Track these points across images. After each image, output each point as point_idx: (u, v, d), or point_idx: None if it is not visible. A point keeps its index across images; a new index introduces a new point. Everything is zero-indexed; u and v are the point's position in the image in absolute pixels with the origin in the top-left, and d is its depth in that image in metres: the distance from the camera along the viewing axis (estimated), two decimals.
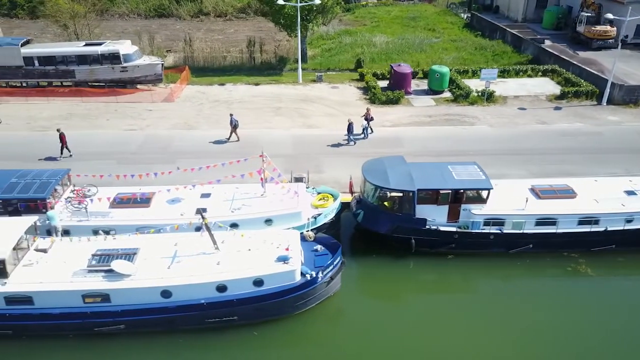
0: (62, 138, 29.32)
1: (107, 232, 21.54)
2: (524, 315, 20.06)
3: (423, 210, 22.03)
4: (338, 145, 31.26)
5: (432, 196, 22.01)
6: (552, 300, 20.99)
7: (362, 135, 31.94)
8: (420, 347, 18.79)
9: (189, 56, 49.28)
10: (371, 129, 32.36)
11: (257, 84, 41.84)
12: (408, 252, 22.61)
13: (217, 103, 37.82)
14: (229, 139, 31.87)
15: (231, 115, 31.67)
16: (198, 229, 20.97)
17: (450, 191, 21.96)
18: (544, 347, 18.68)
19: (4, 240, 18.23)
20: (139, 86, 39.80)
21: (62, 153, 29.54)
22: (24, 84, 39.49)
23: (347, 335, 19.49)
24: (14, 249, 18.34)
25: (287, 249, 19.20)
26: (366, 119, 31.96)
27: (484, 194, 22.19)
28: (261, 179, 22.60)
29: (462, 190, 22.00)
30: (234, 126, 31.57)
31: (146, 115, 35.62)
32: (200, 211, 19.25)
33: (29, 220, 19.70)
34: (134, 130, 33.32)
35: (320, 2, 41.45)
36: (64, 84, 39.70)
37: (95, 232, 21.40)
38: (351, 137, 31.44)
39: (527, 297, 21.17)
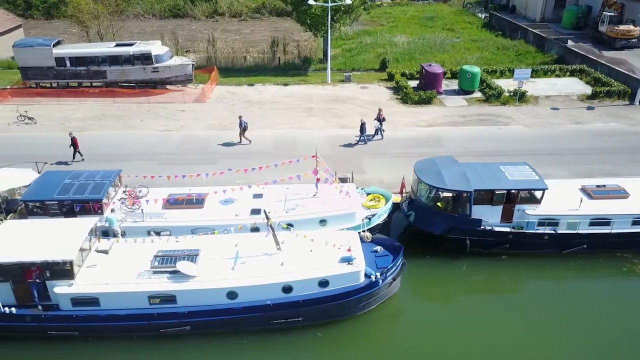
0: (74, 142, 28.99)
1: (157, 233, 21.59)
2: (578, 316, 20.01)
3: (478, 211, 22.01)
4: (376, 144, 31.24)
5: (487, 196, 21.98)
6: (607, 301, 20.92)
7: (378, 136, 31.86)
8: (475, 348, 18.64)
9: (212, 56, 49.34)
10: (383, 129, 32.06)
11: (286, 85, 41.81)
12: (461, 252, 22.61)
13: (249, 104, 37.78)
14: (240, 142, 31.40)
15: (240, 117, 31.27)
16: (254, 230, 21.06)
17: (505, 191, 21.95)
18: (597, 349, 18.62)
19: (70, 241, 18.22)
20: (168, 87, 39.76)
21: (74, 157, 29.16)
22: (54, 85, 39.51)
23: (407, 336, 19.47)
24: (80, 250, 18.32)
25: (349, 250, 19.17)
26: (378, 120, 31.89)
27: (539, 194, 22.16)
28: (317, 179, 22.57)
29: (517, 191, 21.98)
30: (244, 128, 31.15)
31: (179, 115, 35.58)
32: (265, 212, 19.23)
33: (91, 221, 19.69)
34: (169, 131, 33.29)
35: (351, 1, 41.42)
36: (94, 84, 39.70)
37: (148, 233, 21.47)
38: (363, 137, 31.39)
39: (581, 298, 21.13)
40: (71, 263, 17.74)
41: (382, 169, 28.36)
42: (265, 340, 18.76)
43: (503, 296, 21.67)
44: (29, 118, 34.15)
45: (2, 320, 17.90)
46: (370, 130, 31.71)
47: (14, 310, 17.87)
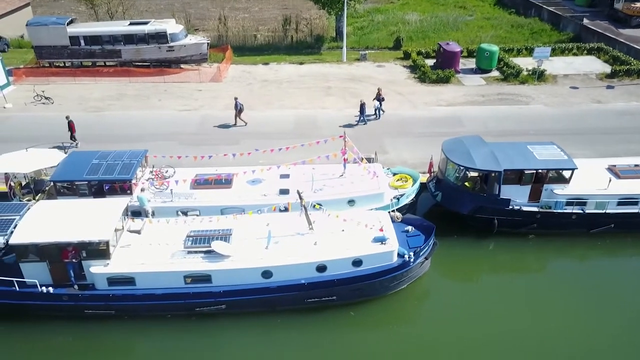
0: (71, 126, 28.41)
1: (184, 213, 21.64)
2: (604, 296, 20.08)
3: (506, 191, 21.97)
4: (397, 124, 31.07)
5: (516, 176, 21.93)
6: (634, 280, 21.03)
7: (374, 116, 31.65)
8: (502, 327, 18.74)
9: (223, 35, 48.79)
10: (382, 110, 31.89)
11: (301, 63, 41.45)
12: (488, 232, 22.67)
13: (266, 83, 37.50)
14: (235, 124, 30.98)
15: (236, 99, 30.70)
16: (283, 210, 21.07)
17: (534, 171, 21.89)
18: (622, 328, 18.71)
19: (106, 221, 18.25)
20: (183, 66, 39.41)
21: (72, 140, 28.54)
22: (68, 64, 39.18)
23: (435, 315, 19.60)
24: (115, 230, 18.37)
25: (381, 230, 19.21)
26: (378, 100, 31.63)
27: (567, 174, 22.11)
28: (345, 159, 22.51)
29: (546, 171, 21.92)
30: (239, 110, 30.70)
31: (197, 95, 35.35)
32: (299, 192, 19.22)
33: (123, 201, 19.71)
34: (188, 111, 33.11)
35: None
36: (107, 64, 39.35)
37: (177, 213, 21.49)
38: (363, 117, 31.20)
39: (608, 278, 21.21)
40: (107, 243, 17.80)
41: (404, 149, 28.28)
42: (298, 320, 18.91)
43: (530, 276, 21.74)
44: (46, 98, 33.94)
45: (40, 299, 18.04)
46: (370, 110, 31.48)
47: (51, 289, 18.01)
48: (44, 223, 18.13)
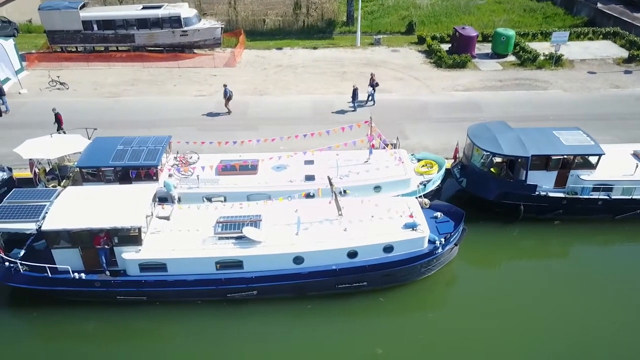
0: (58, 118, 27.34)
1: (209, 199, 21.59)
2: (629, 281, 20.09)
3: (533, 176, 21.90)
4: (416, 110, 30.90)
5: (543, 162, 21.83)
6: None
7: (371, 102, 31.42)
8: (528, 314, 18.75)
9: (233, 20, 48.28)
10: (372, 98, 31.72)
11: (315, 48, 41.11)
12: (513, 218, 22.65)
13: (281, 68, 37.22)
14: (229, 112, 30.56)
15: (225, 86, 30.12)
16: (308, 196, 21.02)
17: (561, 157, 21.80)
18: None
19: (137, 207, 18.20)
20: (196, 51, 39.07)
21: (59, 133, 26.58)
22: (80, 49, 38.84)
23: (462, 302, 19.57)
24: (146, 216, 18.33)
25: (411, 216, 19.18)
26: (372, 85, 31.37)
27: (594, 159, 22.02)
28: (372, 145, 22.41)
29: (573, 156, 21.83)
30: (228, 97, 30.14)
31: (212, 80, 35.09)
32: (329, 178, 19.15)
33: (152, 187, 19.65)
34: (204, 96, 32.88)
35: None
36: (120, 48, 39.00)
37: (204, 200, 21.44)
38: (355, 103, 30.97)
39: (633, 263, 21.23)
40: (139, 229, 17.77)
41: (425, 134, 28.16)
42: (328, 305, 18.94)
43: (556, 261, 21.76)
44: (61, 83, 33.68)
45: (73, 285, 18.08)
46: (363, 96, 31.29)
47: (83, 275, 18.03)
48: (75, 209, 18.08)
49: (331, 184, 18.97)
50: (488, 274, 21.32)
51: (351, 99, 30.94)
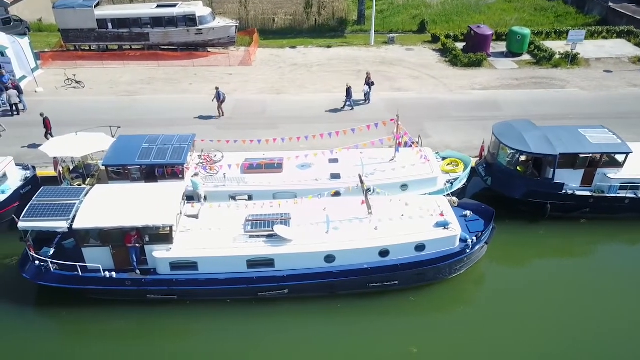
0: (46, 123, 26.62)
1: (233, 198, 21.48)
2: None
3: (560, 175, 21.81)
4: (435, 108, 30.78)
5: (570, 160, 21.75)
6: None
7: (365, 101, 31.28)
8: (555, 313, 18.65)
9: (244, 18, 48.17)
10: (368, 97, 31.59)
11: (329, 47, 40.98)
12: (539, 216, 22.55)
13: (296, 66, 37.09)
14: (223, 114, 29.91)
15: (217, 88, 29.47)
16: (337, 194, 20.90)
17: (589, 155, 21.72)
18: None
19: (168, 206, 18.11)
20: (210, 49, 38.94)
21: (47, 138, 26.11)
22: (94, 47, 38.69)
23: (493, 300, 19.46)
24: (177, 214, 18.23)
25: (441, 215, 19.09)
26: (367, 84, 31.22)
27: (621, 157, 21.94)
28: (399, 143, 22.31)
29: (600, 154, 21.74)
30: (221, 100, 29.55)
31: (228, 79, 34.95)
32: (360, 176, 19.05)
33: (181, 186, 19.56)
34: None
35: None
36: (133, 47, 38.88)
37: (232, 198, 21.35)
38: (350, 102, 30.84)
39: None
40: (171, 228, 17.66)
41: (446, 132, 28.06)
42: (359, 304, 18.83)
43: (583, 260, 21.68)
44: (77, 82, 33.55)
45: (103, 284, 17.97)
46: (360, 95, 31.13)
47: (114, 274, 17.92)
48: (105, 207, 17.97)
49: (362, 182, 18.88)
50: (516, 273, 21.19)
51: (345, 97, 30.80)
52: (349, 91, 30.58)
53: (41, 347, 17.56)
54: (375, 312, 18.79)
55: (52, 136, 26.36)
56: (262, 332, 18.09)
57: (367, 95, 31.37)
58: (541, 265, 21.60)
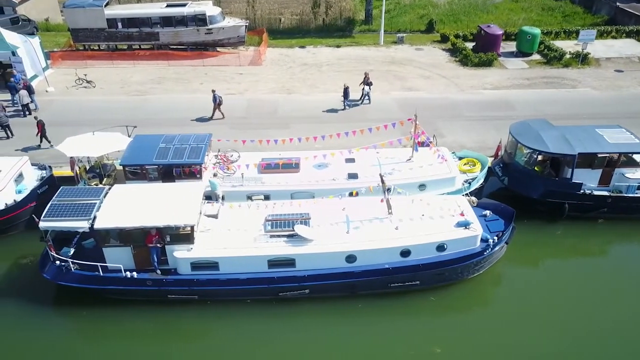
0: (38, 127, 26.08)
1: (249, 198, 21.41)
2: None
3: (578, 175, 21.76)
4: (448, 108, 30.73)
5: (588, 160, 21.70)
6: None
7: (367, 101, 31.18)
8: (572, 315, 18.56)
9: (251, 18, 48.11)
10: (368, 96, 31.46)
11: (338, 46, 40.95)
12: (557, 216, 22.49)
13: (307, 66, 37.04)
14: (222, 116, 29.53)
15: (213, 91, 29.22)
16: (351, 194, 20.81)
17: (607, 155, 21.67)
18: None
19: (189, 205, 18.04)
20: (219, 49, 38.87)
21: (41, 142, 26.33)
22: (103, 47, 38.62)
23: (512, 300, 19.38)
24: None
25: (462, 214, 19.03)
26: (366, 84, 31.12)
27: (639, 157, 21.91)
28: (418, 142, 22.25)
29: (618, 154, 21.70)
30: (218, 103, 29.26)
31: (239, 79, 34.91)
32: (381, 176, 18.99)
33: (201, 185, 19.50)
34: (233, 95, 32.64)
35: None
36: (142, 47, 38.82)
37: (249, 198, 21.30)
38: (347, 102, 30.76)
39: None
40: (192, 228, 17.60)
41: (459, 132, 28.01)
42: (379, 304, 18.74)
43: (601, 260, 21.62)
44: (88, 82, 33.48)
45: (124, 284, 17.89)
46: (358, 95, 31.05)
47: (135, 274, 17.85)
48: (126, 207, 17.91)
49: (383, 182, 18.81)
50: (535, 273, 21.07)
51: (343, 97, 30.70)
52: (346, 91, 30.51)
53: (62, 347, 17.49)
54: (396, 312, 18.72)
55: (47, 139, 26.27)
56: (283, 332, 18.00)
57: (367, 95, 31.24)
58: (560, 265, 21.50)
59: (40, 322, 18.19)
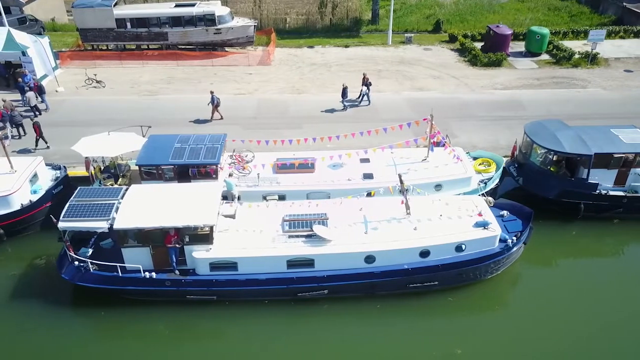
0: (35, 129, 25.87)
1: (264, 198, 21.37)
2: None
3: (593, 175, 21.74)
4: (459, 108, 30.69)
5: (604, 160, 21.67)
6: None
7: (366, 102, 31.12)
8: (589, 315, 18.54)
9: (258, 18, 48.06)
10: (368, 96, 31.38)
11: (346, 46, 40.92)
12: (572, 216, 22.48)
13: (316, 66, 37.01)
14: (220, 118, 29.30)
15: (212, 92, 29.03)
16: (369, 194, 20.81)
17: (623, 155, 21.65)
18: None
19: (208, 206, 17.99)
20: (227, 49, 38.83)
21: (37, 145, 26.12)
22: (111, 47, 38.58)
23: (531, 300, 19.30)
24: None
25: (479, 215, 19.00)
26: (366, 85, 31.06)
27: None
28: (434, 142, 22.23)
29: (634, 154, 21.66)
30: (216, 105, 29.00)
31: (248, 79, 34.86)
32: (400, 176, 18.96)
33: (218, 185, 19.47)
34: (243, 95, 32.65)
35: None
36: (150, 47, 38.77)
37: (264, 198, 21.27)
38: (345, 102, 30.68)
39: None
40: (212, 228, 17.56)
41: (472, 132, 27.98)
42: (398, 305, 18.70)
43: (617, 260, 21.57)
44: (97, 81, 33.43)
45: (143, 284, 17.86)
46: (353, 95, 31.02)
47: (154, 275, 17.81)
48: (145, 207, 17.85)
49: (402, 182, 18.78)
50: (552, 273, 21.00)
51: (341, 97, 30.64)
52: (344, 91, 30.44)
53: (80, 347, 17.40)
54: (414, 312, 18.68)
55: (44, 140, 26.16)
56: (300, 332, 17.99)
57: (366, 96, 31.16)
58: (576, 265, 21.49)
59: (58, 322, 18.12)
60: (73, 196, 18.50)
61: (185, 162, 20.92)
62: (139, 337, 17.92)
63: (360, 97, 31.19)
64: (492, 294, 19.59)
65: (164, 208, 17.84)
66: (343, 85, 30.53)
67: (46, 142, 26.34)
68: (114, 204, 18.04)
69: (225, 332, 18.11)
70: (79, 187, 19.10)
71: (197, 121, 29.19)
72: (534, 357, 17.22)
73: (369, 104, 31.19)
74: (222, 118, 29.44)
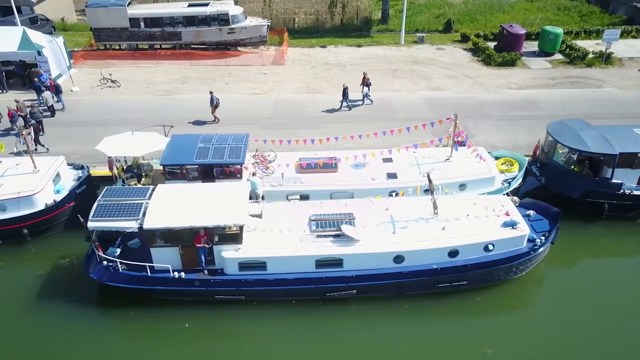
0: (34, 129, 25.93)
1: (288, 197, 21.32)
2: None
3: (617, 174, 21.72)
4: (475, 107, 30.66)
5: (629, 160, 21.63)
6: None
7: (368, 102, 31.07)
8: (611, 316, 18.43)
9: (268, 17, 48.02)
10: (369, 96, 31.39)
11: (359, 46, 40.94)
12: (595, 216, 22.45)
13: (330, 66, 37.00)
14: (215, 120, 29.13)
15: (211, 93, 28.75)
16: (391, 194, 20.77)
17: None
18: None
19: (237, 205, 17.93)
20: (241, 48, 38.80)
21: (36, 146, 25.90)
22: (124, 47, 38.54)
23: (558, 300, 19.23)
24: None
25: (507, 214, 18.96)
26: (366, 85, 30.99)
27: None
28: (458, 142, 22.20)
29: None
30: (215, 105, 28.84)
31: (263, 78, 34.84)
32: (429, 175, 18.92)
33: (246, 185, 19.43)
34: (259, 95, 32.63)
35: None
36: (163, 46, 38.74)
37: (287, 198, 21.21)
38: (346, 102, 30.64)
39: None
40: (241, 228, 17.53)
41: (490, 132, 27.96)
42: (426, 305, 18.66)
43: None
44: (112, 81, 33.40)
45: (172, 284, 17.80)
46: (357, 95, 30.94)
47: (183, 274, 17.76)
48: (173, 207, 17.79)
49: (430, 182, 18.75)
50: (578, 273, 20.92)
51: (342, 97, 30.57)
52: (345, 92, 30.36)
53: (109, 346, 17.36)
54: (443, 312, 18.62)
55: (42, 145, 26.11)
56: (329, 332, 17.86)
57: (366, 96, 31.10)
58: (600, 265, 21.42)
59: (86, 321, 18.04)
60: (100, 196, 18.42)
61: (210, 161, 20.87)
62: (168, 336, 17.82)
63: (362, 98, 31.09)
64: (519, 294, 19.56)
65: (193, 208, 17.77)
66: (344, 86, 30.47)
67: (43, 145, 26.11)
68: (142, 203, 17.96)
69: (253, 332, 18.04)
70: (105, 187, 19.02)
71: (216, 120, 29.11)
72: (564, 357, 17.24)
73: (371, 104, 31.13)
74: (216, 120, 29.03)
